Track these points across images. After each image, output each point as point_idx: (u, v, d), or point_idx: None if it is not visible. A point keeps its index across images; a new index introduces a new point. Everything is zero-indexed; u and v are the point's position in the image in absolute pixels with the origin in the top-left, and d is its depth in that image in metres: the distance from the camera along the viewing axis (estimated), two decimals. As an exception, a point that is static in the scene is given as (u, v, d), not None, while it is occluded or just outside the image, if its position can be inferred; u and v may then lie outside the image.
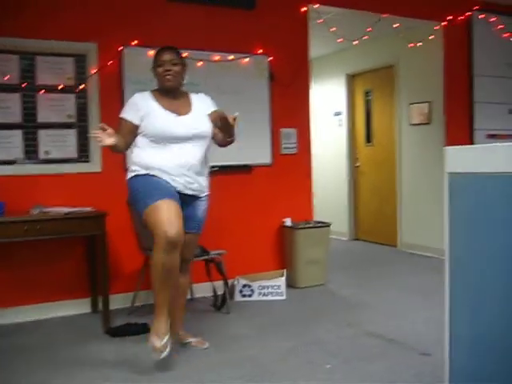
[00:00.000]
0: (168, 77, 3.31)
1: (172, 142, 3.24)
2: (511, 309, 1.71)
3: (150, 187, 3.19)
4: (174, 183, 3.24)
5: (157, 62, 3.35)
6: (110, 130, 3.05)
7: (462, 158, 1.76)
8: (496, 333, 1.78)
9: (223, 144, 3.46)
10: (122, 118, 3.30)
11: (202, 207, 3.44)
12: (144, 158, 3.26)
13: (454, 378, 1.98)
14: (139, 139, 3.30)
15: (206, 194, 3.45)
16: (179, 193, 3.25)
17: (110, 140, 3.03)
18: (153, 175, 3.22)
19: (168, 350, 3.08)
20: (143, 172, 3.24)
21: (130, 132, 3.28)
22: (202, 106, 3.43)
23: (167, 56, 3.33)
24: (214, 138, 3.43)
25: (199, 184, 3.35)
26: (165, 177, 3.22)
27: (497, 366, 1.79)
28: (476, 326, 1.88)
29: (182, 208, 3.24)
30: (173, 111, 3.30)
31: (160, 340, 3.06)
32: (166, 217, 3.04)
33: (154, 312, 3.14)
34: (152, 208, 3.09)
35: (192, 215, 3.38)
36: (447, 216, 1.87)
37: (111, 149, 3.14)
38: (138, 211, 3.25)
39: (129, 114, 3.30)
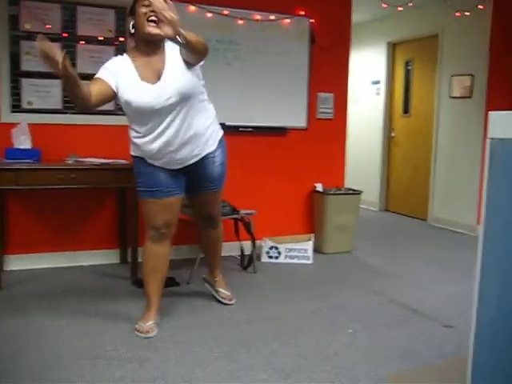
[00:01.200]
0: (153, 22, 2.77)
1: (156, 118, 2.91)
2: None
3: (142, 178, 3.09)
4: (168, 164, 3.04)
5: (141, 2, 2.79)
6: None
7: (506, 123, 1.71)
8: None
9: (196, 55, 2.88)
10: (95, 78, 2.88)
11: (214, 164, 3.18)
12: (132, 138, 3.03)
13: (478, 350, 1.97)
14: (128, 118, 3.04)
15: (213, 149, 3.15)
16: (177, 169, 3.08)
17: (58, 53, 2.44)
18: (145, 160, 3.04)
19: (155, 332, 3.08)
20: (137, 153, 3.07)
21: (101, 87, 2.82)
22: (176, 56, 2.93)
23: None
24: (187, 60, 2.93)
25: (199, 147, 3.07)
26: (156, 161, 3.02)
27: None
28: (505, 302, 1.85)
29: (187, 176, 3.15)
30: (147, 79, 2.88)
31: (145, 324, 3.10)
32: (154, 210, 3.09)
33: (146, 301, 3.21)
34: (143, 201, 3.14)
35: (203, 177, 3.19)
36: (486, 185, 1.82)
37: (68, 82, 2.58)
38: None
39: (104, 74, 2.89)
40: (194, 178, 3.19)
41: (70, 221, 4.41)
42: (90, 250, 4.46)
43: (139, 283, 3.90)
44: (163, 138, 2.94)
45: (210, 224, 3.48)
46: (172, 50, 2.95)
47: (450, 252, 5.32)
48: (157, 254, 3.17)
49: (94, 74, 4.40)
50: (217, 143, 3.19)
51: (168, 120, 2.92)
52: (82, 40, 4.32)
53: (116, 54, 4.36)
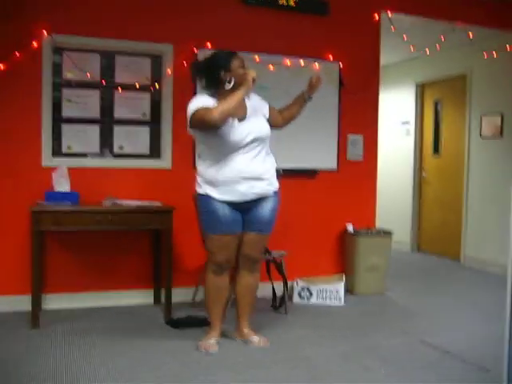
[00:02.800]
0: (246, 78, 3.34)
1: (234, 151, 3.33)
2: None
3: (208, 216, 3.45)
4: (233, 195, 3.37)
5: (238, 64, 3.40)
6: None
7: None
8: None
9: (290, 120, 3.76)
10: (200, 107, 3.27)
11: (267, 207, 3.50)
12: (206, 170, 3.41)
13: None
14: (202, 149, 3.46)
15: (272, 191, 3.50)
16: (238, 203, 3.39)
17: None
18: (212, 198, 3.38)
19: (215, 349, 3.47)
20: (204, 191, 3.41)
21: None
22: (257, 106, 3.52)
23: (241, 59, 3.45)
24: (271, 125, 3.56)
25: (261, 187, 3.43)
26: (223, 193, 3.36)
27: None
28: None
29: (242, 213, 3.45)
30: (234, 117, 3.35)
31: (208, 341, 3.52)
32: (218, 246, 3.45)
33: (210, 324, 3.62)
34: (208, 236, 3.51)
35: (254, 217, 3.48)
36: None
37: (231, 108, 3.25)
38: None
39: (207, 103, 3.31)
40: (247, 217, 3.48)
41: (106, 261, 4.52)
42: (125, 290, 4.55)
43: (173, 323, 3.98)
44: (237, 166, 3.33)
45: (250, 266, 3.62)
46: (253, 100, 3.51)
47: (483, 292, 5.26)
48: (218, 286, 3.54)
49: (131, 120, 4.63)
50: (274, 190, 3.54)
51: (245, 152, 3.35)
52: (119, 86, 4.50)
53: (152, 100, 4.58)
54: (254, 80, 3.32)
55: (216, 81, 3.41)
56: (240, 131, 3.34)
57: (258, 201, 3.46)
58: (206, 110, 3.23)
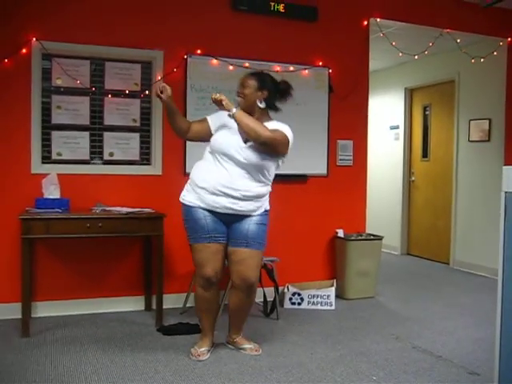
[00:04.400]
0: (237, 98, 3.46)
1: (224, 160, 3.36)
2: None
3: (190, 224, 3.45)
4: (215, 204, 3.36)
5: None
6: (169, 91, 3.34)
7: (520, 178, 1.77)
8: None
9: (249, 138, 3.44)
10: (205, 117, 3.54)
11: (251, 222, 3.44)
12: (196, 171, 3.46)
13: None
14: (206, 153, 3.50)
15: (257, 213, 3.46)
16: (221, 213, 3.39)
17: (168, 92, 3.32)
18: (192, 207, 3.40)
19: (206, 357, 3.48)
20: (186, 199, 3.44)
21: (200, 129, 3.52)
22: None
23: (242, 79, 3.51)
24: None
25: (245, 207, 3.39)
26: (207, 199, 3.36)
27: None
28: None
29: (226, 225, 3.45)
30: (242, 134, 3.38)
31: (199, 349, 3.53)
32: (202, 258, 3.44)
33: (202, 332, 3.64)
34: (193, 247, 3.49)
35: (238, 231, 3.44)
36: (502, 236, 1.88)
37: (168, 113, 3.43)
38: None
39: (212, 117, 3.53)
40: (231, 230, 3.46)
41: (97, 268, 4.50)
42: (115, 297, 4.53)
43: (164, 330, 3.97)
44: (228, 173, 3.33)
45: (246, 290, 3.50)
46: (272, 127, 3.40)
47: (473, 295, 5.29)
48: (208, 299, 3.53)
49: (121, 126, 4.62)
50: (260, 211, 3.50)
51: (239, 167, 3.35)
52: (109, 93, 4.50)
53: (142, 106, 4.58)
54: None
55: (269, 101, 3.50)
56: (238, 148, 3.37)
57: (242, 216, 3.43)
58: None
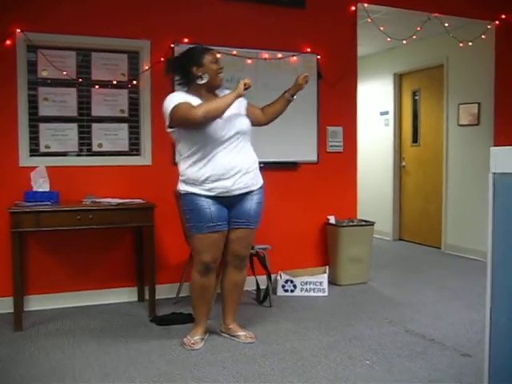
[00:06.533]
0: (222, 75, 3.41)
1: (217, 146, 3.30)
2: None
3: (194, 215, 3.40)
4: (218, 190, 3.34)
5: (211, 59, 3.37)
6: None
7: (508, 159, 1.77)
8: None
9: (273, 117, 3.65)
10: (180, 103, 3.25)
11: (253, 201, 3.48)
12: (188, 169, 3.37)
13: (494, 379, 1.99)
14: (182, 147, 3.39)
15: (255, 188, 3.49)
16: (224, 197, 3.37)
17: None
18: (197, 195, 3.35)
19: (200, 345, 3.47)
20: (188, 189, 3.38)
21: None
22: (235, 102, 3.42)
23: (215, 54, 3.43)
24: (253, 122, 3.54)
25: (246, 181, 3.40)
26: (208, 190, 3.33)
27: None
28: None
29: (228, 208, 3.43)
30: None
31: (193, 338, 3.51)
32: (203, 246, 3.41)
33: (195, 321, 3.61)
34: (193, 236, 3.46)
35: (241, 212, 3.46)
36: (491, 217, 1.88)
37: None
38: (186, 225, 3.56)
39: (183, 99, 3.29)
40: (234, 211, 3.46)
41: (88, 260, 4.49)
42: (108, 289, 4.52)
43: (158, 320, 3.97)
44: (221, 162, 3.30)
45: (238, 264, 3.60)
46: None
47: (465, 278, 5.33)
48: (204, 286, 3.51)
49: (109, 117, 4.58)
50: (259, 185, 3.53)
51: (227, 146, 3.32)
52: (96, 84, 4.46)
53: (130, 97, 4.55)
54: (247, 86, 3.29)
55: (189, 76, 3.39)
56: (221, 126, 3.30)
57: (245, 194, 3.45)
58: (190, 106, 3.21)
